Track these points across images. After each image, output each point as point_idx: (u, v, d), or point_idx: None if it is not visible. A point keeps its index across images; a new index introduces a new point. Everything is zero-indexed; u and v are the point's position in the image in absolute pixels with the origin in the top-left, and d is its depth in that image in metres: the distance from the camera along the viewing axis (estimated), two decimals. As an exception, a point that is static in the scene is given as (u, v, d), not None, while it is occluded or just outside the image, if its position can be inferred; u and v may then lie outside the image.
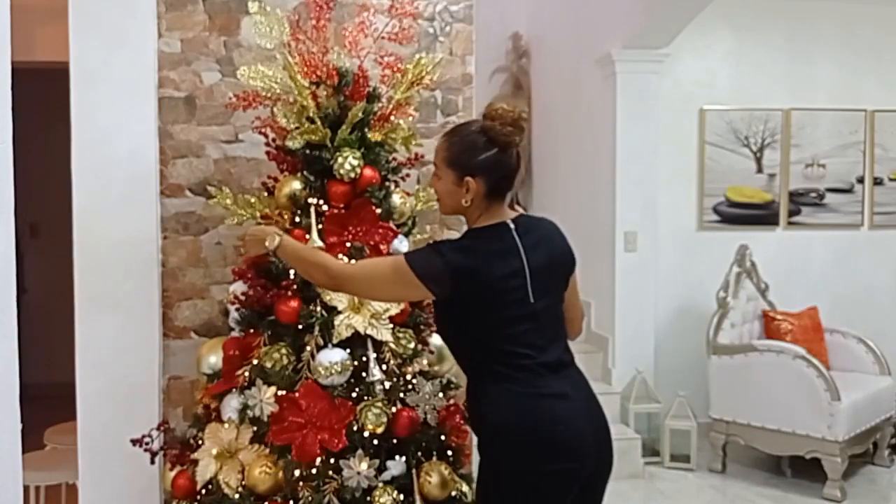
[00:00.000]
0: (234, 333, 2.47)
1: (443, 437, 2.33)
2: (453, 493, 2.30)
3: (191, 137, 2.91)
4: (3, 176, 1.47)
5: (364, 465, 2.17)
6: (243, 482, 2.24)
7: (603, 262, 4.90)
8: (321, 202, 2.42)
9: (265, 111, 2.61)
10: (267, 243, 2.04)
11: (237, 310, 2.43)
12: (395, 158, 2.58)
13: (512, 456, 1.84)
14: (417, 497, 2.24)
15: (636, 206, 4.82)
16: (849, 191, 5.36)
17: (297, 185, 2.44)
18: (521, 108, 1.90)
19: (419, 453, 2.31)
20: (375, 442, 2.22)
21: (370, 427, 2.21)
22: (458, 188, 1.90)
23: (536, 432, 1.82)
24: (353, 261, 2.33)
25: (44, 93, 3.99)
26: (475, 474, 2.56)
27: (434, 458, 2.31)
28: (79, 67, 2.75)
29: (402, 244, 2.45)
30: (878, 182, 5.39)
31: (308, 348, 2.28)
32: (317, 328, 2.28)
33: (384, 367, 2.31)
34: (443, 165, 1.93)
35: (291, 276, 2.32)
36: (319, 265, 1.99)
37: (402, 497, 2.20)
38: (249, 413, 2.28)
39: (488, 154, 1.88)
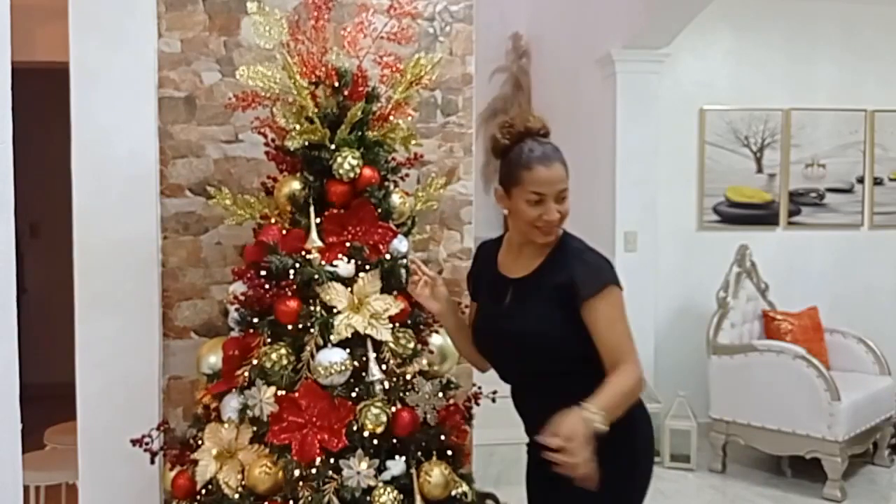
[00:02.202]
0: (234, 333, 2.46)
1: (443, 437, 2.33)
2: (453, 493, 2.30)
3: (191, 137, 2.91)
4: (3, 176, 1.47)
5: (364, 465, 2.16)
6: (243, 482, 2.24)
7: (603, 262, 4.90)
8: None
9: (265, 111, 2.61)
10: (596, 426, 1.68)
11: (237, 310, 2.43)
12: (394, 158, 2.58)
13: (645, 459, 2.03)
14: (417, 497, 2.24)
15: (636, 206, 4.82)
16: (849, 191, 5.36)
17: (296, 185, 2.43)
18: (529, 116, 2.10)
19: (419, 453, 2.31)
20: (375, 442, 2.21)
21: (370, 427, 2.20)
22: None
23: (651, 435, 2.06)
24: (355, 260, 2.34)
25: (44, 93, 3.99)
26: (476, 474, 2.56)
27: (434, 458, 2.31)
28: (79, 67, 2.75)
29: (401, 244, 2.44)
30: (878, 182, 5.39)
31: (308, 348, 2.27)
32: (316, 328, 2.27)
33: (384, 366, 2.31)
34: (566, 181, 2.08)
35: (291, 276, 2.32)
36: (630, 384, 1.85)
37: (402, 497, 2.20)
38: (249, 413, 2.27)
39: None
